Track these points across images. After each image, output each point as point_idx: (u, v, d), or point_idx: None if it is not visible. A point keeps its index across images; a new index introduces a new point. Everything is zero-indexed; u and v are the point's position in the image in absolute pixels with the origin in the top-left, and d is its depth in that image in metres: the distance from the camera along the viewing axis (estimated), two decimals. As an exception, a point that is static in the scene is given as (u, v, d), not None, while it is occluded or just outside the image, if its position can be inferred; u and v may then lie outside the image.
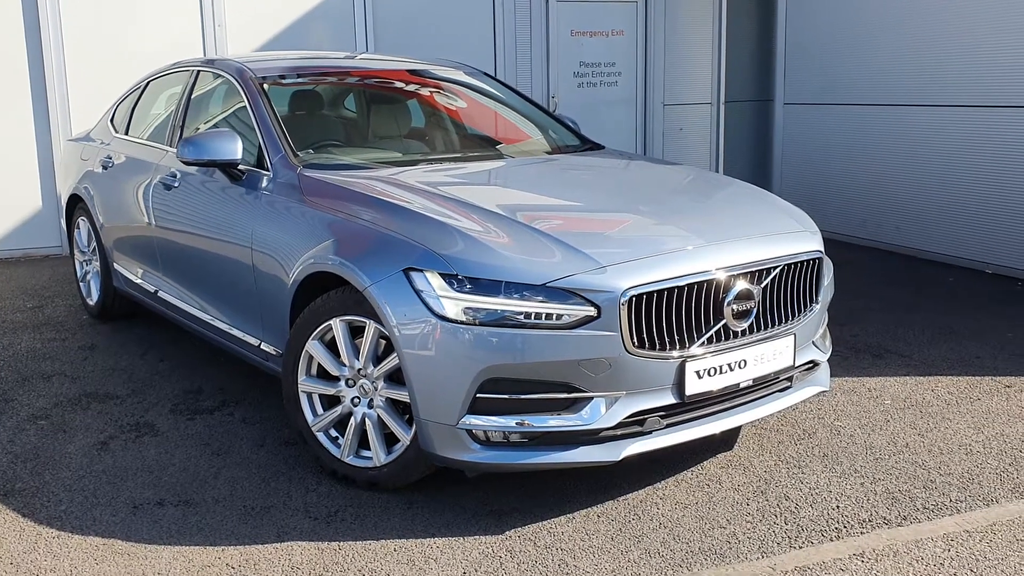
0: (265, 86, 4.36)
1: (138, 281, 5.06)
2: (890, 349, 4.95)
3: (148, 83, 5.54)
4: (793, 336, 3.41)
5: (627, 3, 9.63)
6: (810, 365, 3.61)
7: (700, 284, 3.12)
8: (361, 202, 3.51)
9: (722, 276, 3.16)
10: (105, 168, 5.38)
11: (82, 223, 5.81)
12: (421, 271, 3.09)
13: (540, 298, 2.99)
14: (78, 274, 6.01)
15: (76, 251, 5.99)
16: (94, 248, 5.67)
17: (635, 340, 3.02)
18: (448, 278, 3.05)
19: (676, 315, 3.09)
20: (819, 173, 8.59)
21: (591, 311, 2.98)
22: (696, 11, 9.83)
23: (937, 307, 5.86)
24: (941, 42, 7.14)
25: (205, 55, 8.18)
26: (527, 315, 2.98)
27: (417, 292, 3.07)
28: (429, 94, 5.01)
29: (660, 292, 3.05)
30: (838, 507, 3.24)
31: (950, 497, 3.29)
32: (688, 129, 10.09)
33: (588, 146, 4.78)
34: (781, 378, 3.46)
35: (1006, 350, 4.94)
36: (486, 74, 5.31)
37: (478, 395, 3.02)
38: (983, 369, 4.64)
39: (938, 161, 7.26)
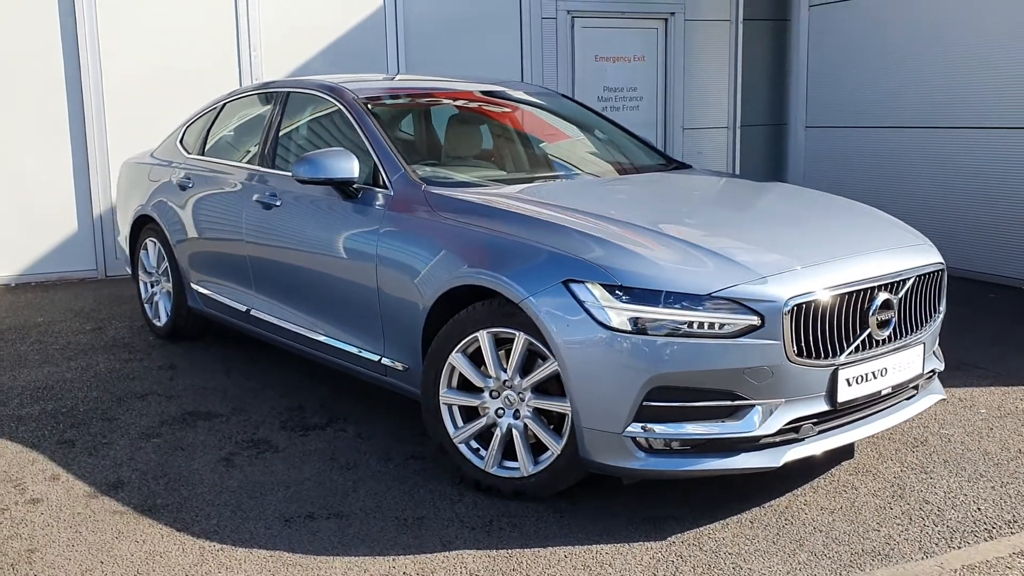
0: (369, 106, 4.44)
1: (223, 300, 5.07)
2: (966, 362, 5.10)
3: (224, 105, 5.57)
4: (923, 345, 3.54)
5: (648, 29, 9.83)
6: (931, 374, 3.74)
7: (850, 294, 3.23)
8: (503, 217, 3.59)
9: (868, 286, 3.28)
10: (183, 188, 5.39)
11: (151, 244, 5.80)
12: (582, 282, 3.16)
13: (702, 308, 3.08)
14: (143, 295, 5.99)
15: (141, 273, 5.97)
16: (165, 269, 5.67)
17: (795, 348, 3.12)
18: (610, 289, 3.13)
19: (829, 324, 3.20)
20: (843, 194, 8.78)
21: (755, 320, 3.07)
22: (713, 39, 10.06)
23: (991, 322, 6.04)
24: (965, 65, 7.39)
25: (241, 80, 8.23)
26: (690, 324, 3.07)
27: (580, 303, 3.14)
28: (517, 115, 5.11)
29: (817, 301, 3.15)
30: (979, 509, 3.35)
31: (1082, 498, 3.42)
32: (706, 152, 10.29)
33: (675, 165, 4.90)
34: (911, 386, 3.58)
35: (1073, 362, 5.12)
36: (565, 96, 5.43)
37: (644, 403, 3.09)
38: (1060, 379, 4.81)
39: (966, 181, 7.49)
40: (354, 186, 4.12)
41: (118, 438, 4.16)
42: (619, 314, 3.10)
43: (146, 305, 5.97)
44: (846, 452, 3.83)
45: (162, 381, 4.98)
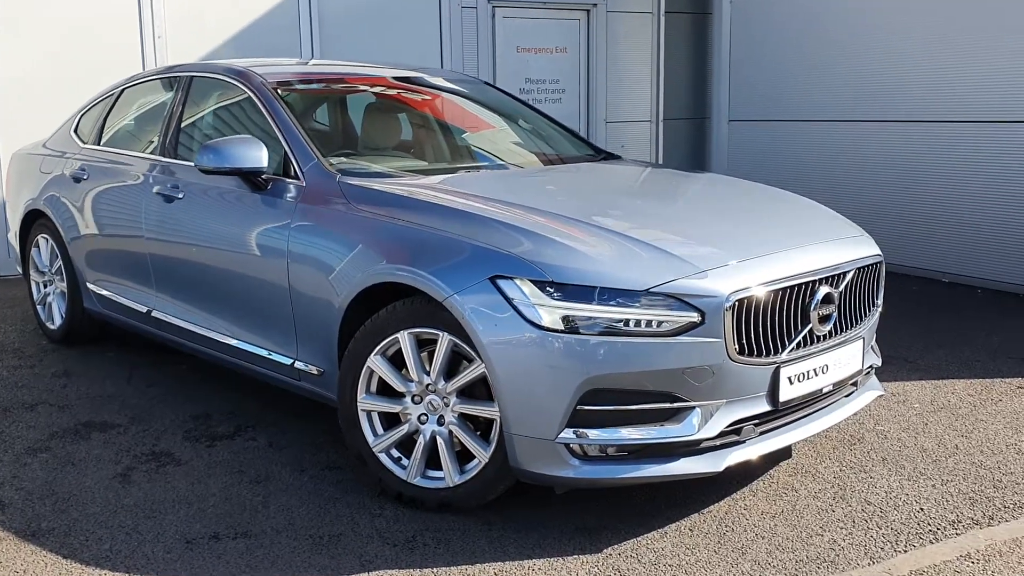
0: (279, 91, 4.13)
1: (123, 301, 4.70)
2: (893, 355, 5.02)
3: (123, 91, 5.19)
4: (862, 340, 3.42)
5: (570, 20, 9.66)
6: (869, 370, 3.63)
7: (792, 288, 3.08)
8: (424, 209, 3.34)
9: (810, 279, 3.13)
10: (77, 180, 4.99)
11: (43, 241, 5.37)
12: (510, 278, 2.94)
13: (640, 304, 2.88)
14: (35, 296, 5.55)
15: (33, 272, 5.54)
16: (59, 268, 5.25)
17: (736, 346, 2.95)
18: (540, 285, 2.91)
19: (771, 320, 3.04)
20: (767, 188, 8.77)
21: (695, 317, 2.89)
22: (635, 32, 9.95)
23: (915, 314, 6.03)
24: (885, 58, 7.41)
25: (144, 67, 7.77)
26: (627, 322, 2.87)
27: (508, 300, 2.92)
28: (439, 103, 4.86)
29: (759, 296, 2.98)
30: (922, 510, 3.23)
31: None
32: (629, 146, 10.17)
33: (604, 155, 4.71)
34: (850, 382, 3.45)
35: (998, 353, 5.10)
36: (489, 84, 5.20)
37: (578, 407, 2.88)
38: (987, 372, 4.77)
39: (889, 175, 7.51)
40: (263, 177, 3.82)
41: (0, 454, 3.78)
42: (550, 312, 2.89)
43: (38, 307, 5.54)
44: (784, 452, 3.68)
45: (54, 389, 4.59)
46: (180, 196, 4.22)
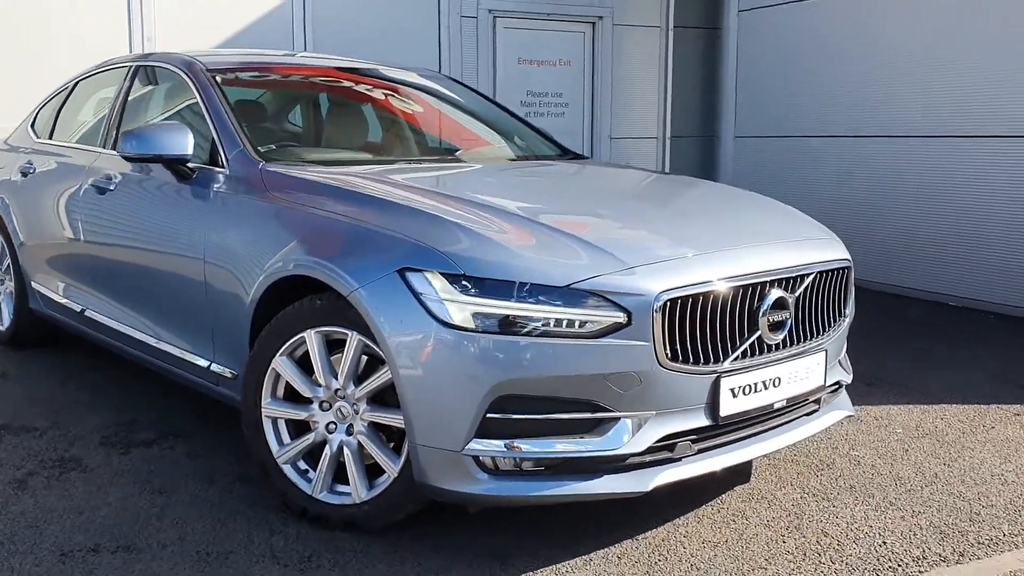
0: (218, 79, 3.90)
1: (61, 300, 4.46)
2: (881, 378, 4.67)
3: (76, 84, 4.99)
4: (824, 352, 3.08)
5: (575, 33, 9.41)
6: (836, 387, 3.28)
7: (736, 289, 2.76)
8: (340, 196, 3.07)
9: (758, 280, 2.81)
10: (25, 175, 4.79)
11: (-7, 238, 5.18)
12: (420, 271, 2.65)
13: (561, 302, 2.58)
14: (-14, 296, 5.35)
15: (-15, 270, 5.34)
16: (7, 266, 5.04)
17: (668, 352, 2.63)
18: (453, 279, 2.62)
19: (710, 325, 2.72)
20: (772, 207, 8.41)
21: (620, 317, 2.58)
22: (643, 46, 9.67)
23: (912, 337, 5.65)
24: (895, 73, 7.06)
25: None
26: (546, 322, 2.57)
27: (416, 295, 2.63)
28: (395, 97, 4.60)
29: (696, 297, 2.67)
30: (885, 543, 2.88)
31: (1002, 531, 2.97)
32: (635, 163, 9.87)
33: (571, 155, 4.43)
34: (811, 400, 3.11)
35: (999, 379, 4.72)
36: (455, 80, 4.94)
37: (488, 415, 2.58)
38: (984, 398, 4.39)
39: (898, 193, 7.14)
40: (189, 166, 3.57)
41: (-100, 456, 3.54)
42: (461, 309, 2.59)
43: (-12, 307, 5.33)
44: (741, 476, 3.34)
45: (-17, 391, 4.36)
46: (112, 188, 3.99)
